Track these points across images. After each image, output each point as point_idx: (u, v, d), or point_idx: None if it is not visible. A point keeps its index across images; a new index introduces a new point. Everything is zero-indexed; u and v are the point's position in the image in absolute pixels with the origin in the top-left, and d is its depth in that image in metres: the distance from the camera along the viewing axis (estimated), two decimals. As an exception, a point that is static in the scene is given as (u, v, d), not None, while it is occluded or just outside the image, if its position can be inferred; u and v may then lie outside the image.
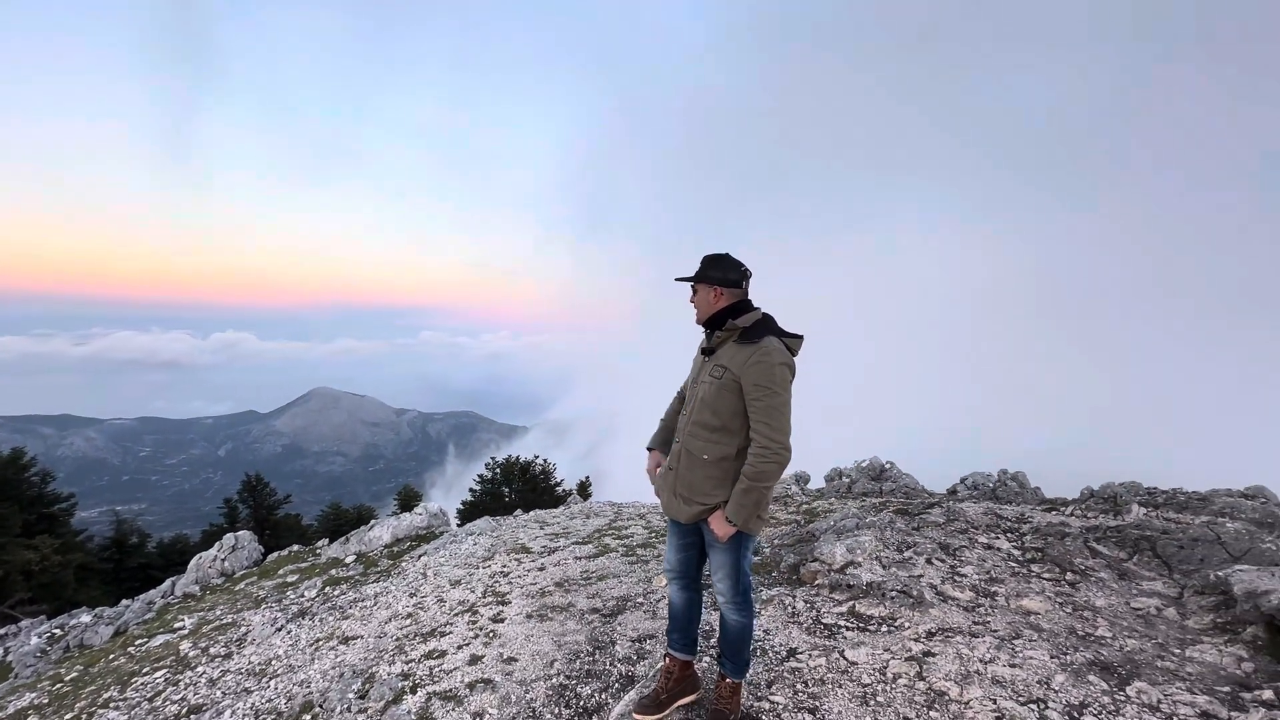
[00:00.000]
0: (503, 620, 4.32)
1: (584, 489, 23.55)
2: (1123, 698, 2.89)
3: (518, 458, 27.16)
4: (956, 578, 4.29)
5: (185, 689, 4.38)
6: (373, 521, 9.43)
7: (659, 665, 3.44)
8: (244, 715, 3.64)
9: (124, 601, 10.06)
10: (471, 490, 26.26)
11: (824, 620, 3.85)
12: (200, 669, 4.73)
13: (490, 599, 4.81)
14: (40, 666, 7.58)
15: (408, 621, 4.63)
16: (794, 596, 4.26)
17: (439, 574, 5.70)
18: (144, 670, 5.09)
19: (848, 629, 3.71)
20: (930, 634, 3.54)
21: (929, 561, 4.53)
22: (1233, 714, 2.73)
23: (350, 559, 7.67)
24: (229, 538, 10.43)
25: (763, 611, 4.06)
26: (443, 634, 4.21)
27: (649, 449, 3.06)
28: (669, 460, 2.81)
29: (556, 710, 3.18)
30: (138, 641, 6.31)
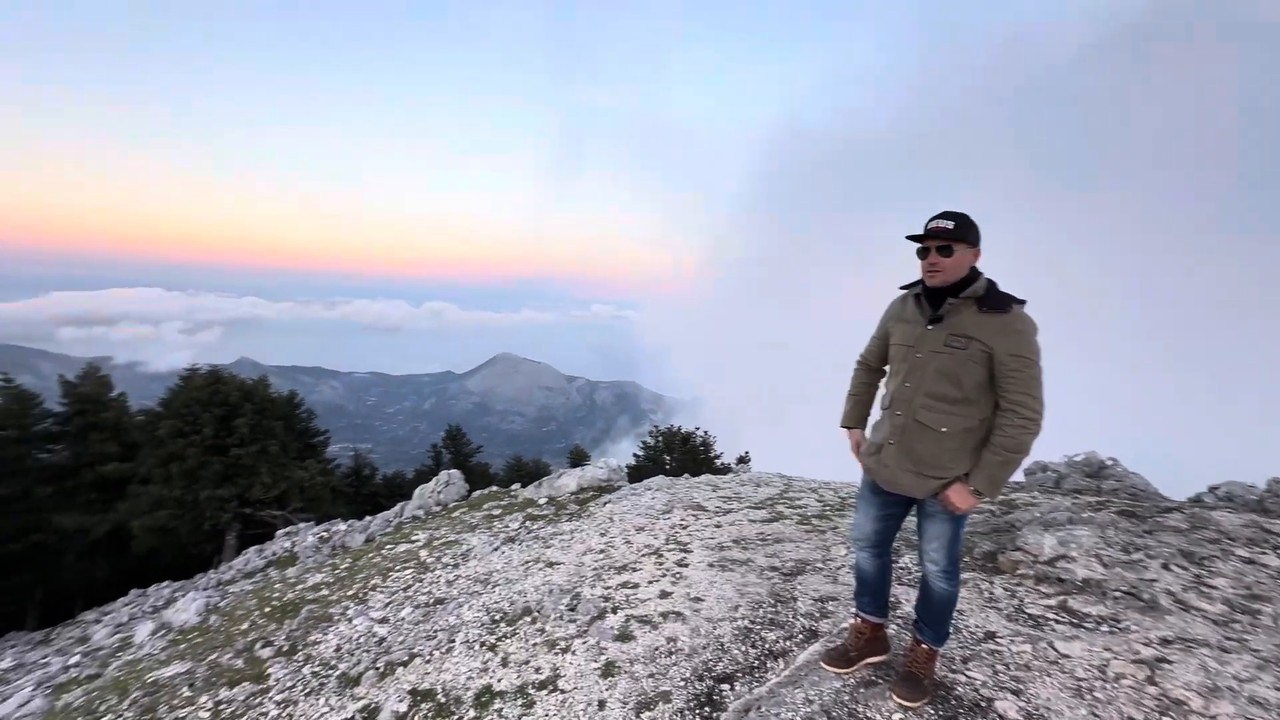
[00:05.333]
0: (686, 565, 4.67)
1: (743, 461, 23.64)
2: None
3: (679, 428, 27.97)
4: (1203, 588, 3.72)
5: (429, 585, 5.38)
6: (560, 471, 10.49)
7: (845, 625, 3.50)
8: (478, 609, 4.40)
9: (368, 517, 12.39)
10: (635, 455, 27.68)
11: (1028, 610, 3.60)
12: (438, 572, 5.76)
13: (673, 546, 5.20)
14: (318, 558, 9.70)
15: (601, 556, 5.19)
16: (991, 583, 4.02)
17: (624, 520, 6.26)
18: (396, 568, 6.33)
19: (1057, 622, 3.44)
20: (1166, 641, 3.15)
21: (1166, 567, 3.97)
22: None
23: (543, 501, 8.66)
24: (443, 475, 12.26)
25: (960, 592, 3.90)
26: (633, 570, 4.68)
27: (847, 427, 2.99)
28: (888, 434, 2.67)
29: (743, 649, 3.41)
30: (385, 548, 7.81)
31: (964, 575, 4.19)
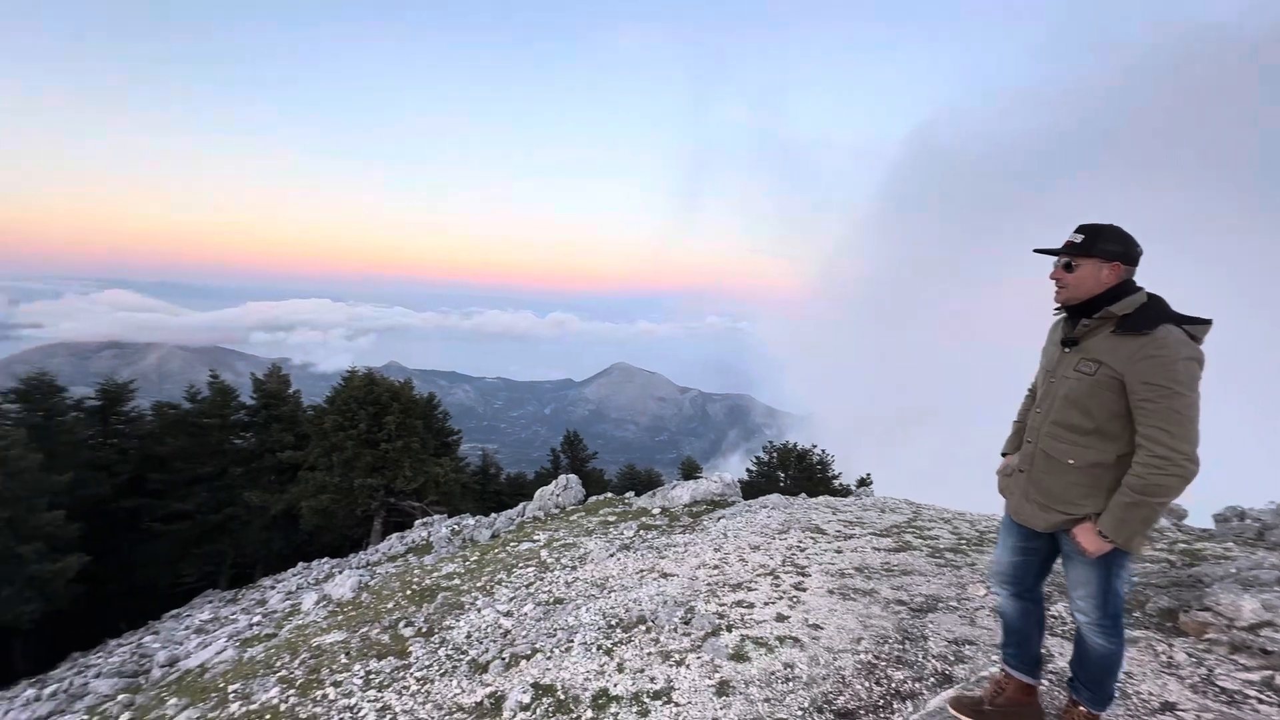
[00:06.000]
0: (804, 590, 4.51)
1: (864, 483, 22.37)
2: None
3: (794, 444, 27.12)
4: None
5: (550, 584, 5.64)
6: (673, 482, 10.57)
7: (985, 674, 3.20)
8: (594, 613, 4.55)
9: (494, 514, 13.23)
10: (748, 471, 27.19)
11: (1219, 682, 3.07)
12: (557, 573, 6.03)
13: (790, 568, 5.04)
14: (450, 548, 10.51)
15: (715, 572, 5.16)
16: (1169, 645, 3.48)
17: (738, 537, 6.17)
18: (519, 565, 6.71)
19: (1261, 701, 2.89)
20: None
21: None
22: None
23: (656, 511, 8.77)
24: (562, 478, 12.81)
25: (1126, 651, 3.42)
26: (748, 589, 4.60)
27: (1003, 454, 2.76)
28: (1020, 460, 2.52)
29: (866, 684, 3.23)
30: (510, 545, 8.30)
31: (1135, 633, 3.66)
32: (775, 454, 26.28)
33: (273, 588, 11.87)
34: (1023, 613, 2.72)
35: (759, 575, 4.92)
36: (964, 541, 5.90)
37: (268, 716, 3.86)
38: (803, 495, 9.46)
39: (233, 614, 10.15)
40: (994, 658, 3.36)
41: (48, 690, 7.82)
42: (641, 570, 5.50)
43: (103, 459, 17.37)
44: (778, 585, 4.63)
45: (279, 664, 4.88)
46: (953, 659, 3.43)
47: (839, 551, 5.50)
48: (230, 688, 4.50)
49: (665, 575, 5.22)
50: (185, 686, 5.41)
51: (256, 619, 8.22)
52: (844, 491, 21.04)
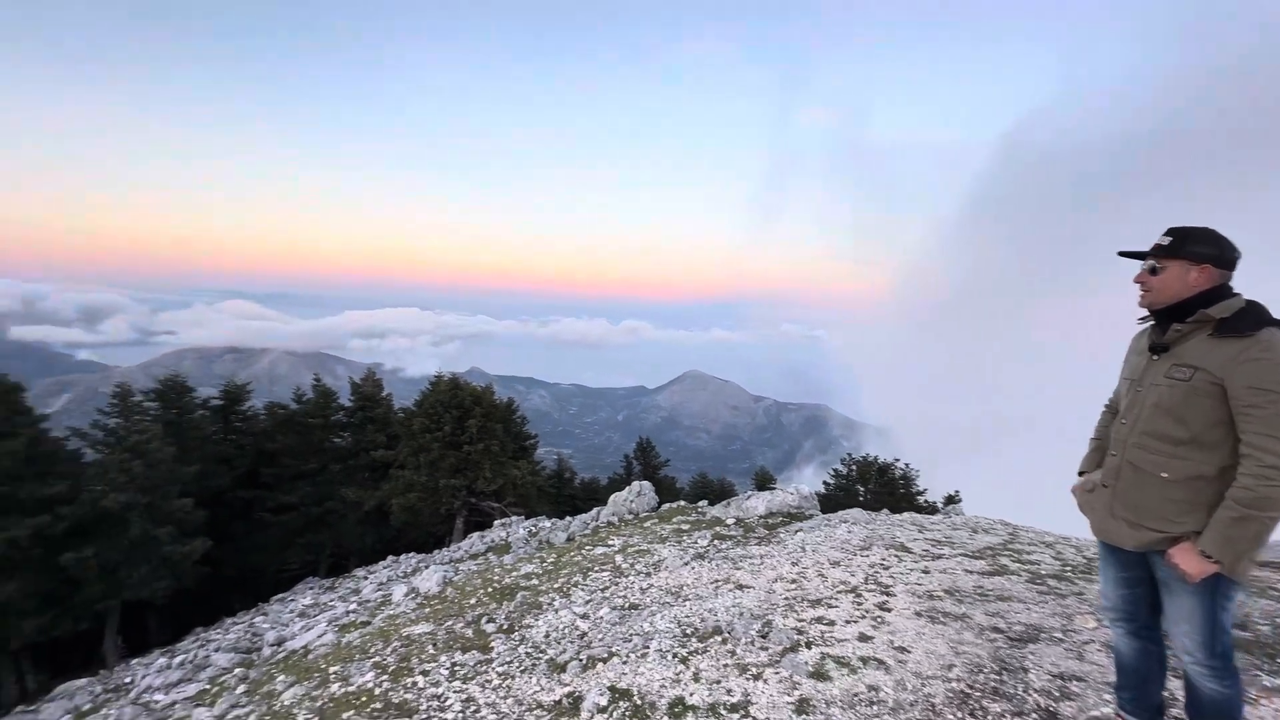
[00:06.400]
0: (889, 610, 4.31)
1: (952, 501, 21.10)
2: None
3: (875, 457, 26.02)
4: None
5: (624, 590, 5.70)
6: (748, 492, 10.41)
7: (1096, 714, 2.94)
8: (669, 620, 4.55)
9: (569, 518, 13.51)
10: (825, 483, 26.33)
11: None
12: (631, 579, 6.08)
13: (873, 586, 4.84)
14: (528, 549, 10.82)
15: (793, 586, 5.03)
16: (1322, 698, 3.05)
17: (817, 551, 5.98)
18: (594, 569, 6.81)
19: None
20: None
21: None
22: None
23: (730, 521, 8.66)
24: (635, 485, 12.91)
25: (1259, 703, 3.04)
26: (828, 605, 4.45)
27: (1080, 473, 2.58)
28: (1103, 475, 2.32)
29: (959, 715, 3.04)
30: (585, 549, 8.45)
31: (1274, 681, 3.24)
32: (854, 467, 25.33)
33: (365, 578, 12.67)
34: (1140, 652, 2.49)
35: (840, 592, 4.76)
36: (1069, 568, 5.44)
37: (364, 698, 4.12)
38: (885, 511, 9.05)
39: (331, 601, 10.91)
40: (1106, 697, 3.08)
41: (176, 660, 8.71)
42: (716, 580, 5.45)
43: (223, 453, 19.21)
44: (860, 604, 4.46)
45: (373, 650, 5.20)
46: (1058, 695, 3.17)
47: (926, 572, 5.22)
48: (331, 669, 4.84)
49: (741, 587, 5.14)
50: (291, 665, 5.87)
51: (352, 607, 8.79)
52: (930, 509, 19.93)
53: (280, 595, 13.97)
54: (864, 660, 3.56)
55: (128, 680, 8.58)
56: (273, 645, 7.85)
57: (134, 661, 10.23)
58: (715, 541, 7.41)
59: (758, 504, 9.05)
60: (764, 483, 28.47)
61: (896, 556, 5.71)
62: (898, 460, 24.71)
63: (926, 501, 21.91)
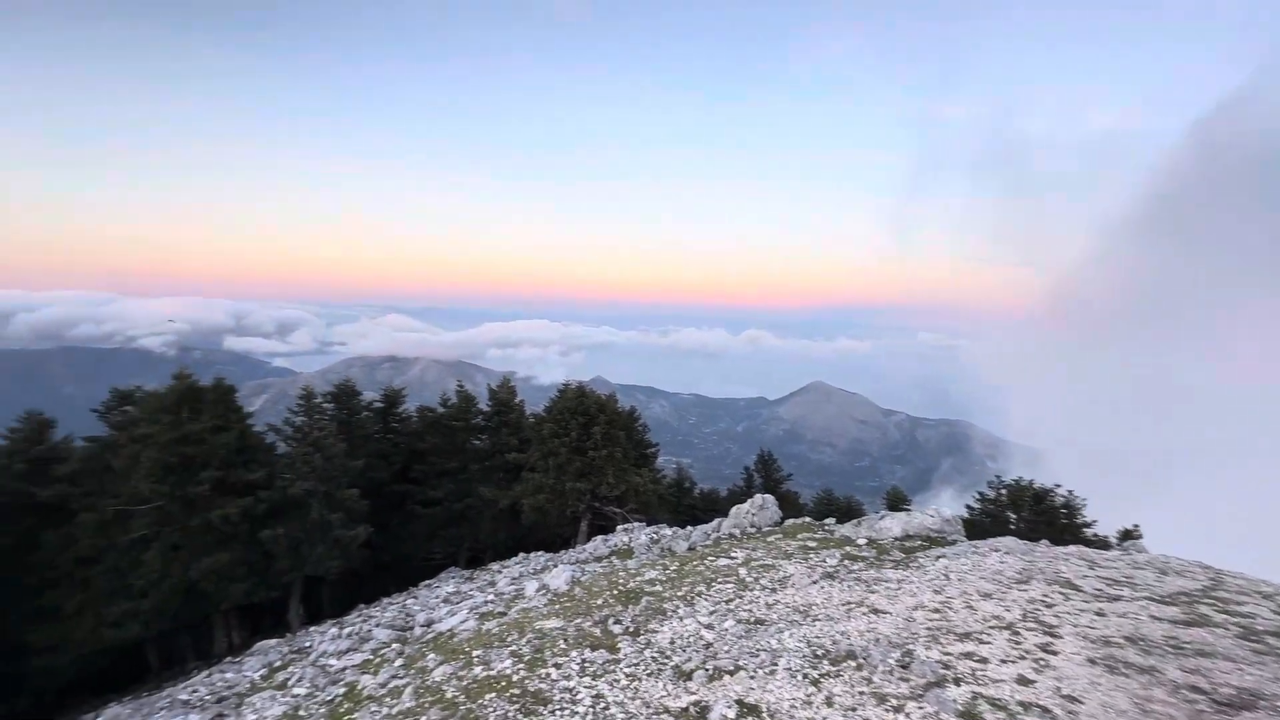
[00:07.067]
0: (1054, 653, 3.83)
1: (1130, 535, 18.30)
2: None
3: (1030, 481, 23.35)
4: None
5: (749, 603, 5.59)
6: (881, 512, 9.78)
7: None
8: (798, 639, 4.40)
9: (689, 527, 13.50)
10: (969, 508, 24.02)
11: None
12: (756, 593, 5.95)
13: (1033, 625, 4.33)
14: (649, 555, 10.97)
15: (935, 616, 4.64)
16: None
17: (964, 581, 5.48)
18: (718, 580, 6.76)
19: None
20: None
21: None
22: None
23: (862, 541, 8.18)
24: (758, 498, 12.62)
25: None
26: (979, 641, 4.05)
27: None
28: None
29: (1149, 783, 2.63)
30: (707, 559, 8.40)
31: None
32: (1004, 491, 22.88)
33: (500, 572, 13.54)
34: None
35: (992, 627, 4.31)
36: (1296, 625, 4.49)
37: (503, 683, 4.41)
38: (1044, 543, 8.07)
39: (470, 590, 11.80)
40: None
41: (345, 630, 9.87)
42: (849, 603, 5.17)
43: (383, 450, 21.57)
44: (1018, 642, 4.01)
45: (509, 639, 5.56)
46: (1286, 777, 2.63)
47: (1100, 614, 4.57)
48: (474, 653, 5.23)
49: (876, 611, 4.84)
50: (440, 646, 6.43)
51: (490, 597, 9.44)
52: (1100, 543, 17.46)
53: (427, 582, 15.33)
54: (1024, 706, 3.19)
55: (307, 644, 9.87)
56: (423, 626, 8.64)
57: (312, 629, 11.76)
58: (845, 561, 7.04)
59: (892, 525, 8.47)
60: (897, 503, 26.60)
61: (1062, 594, 5.07)
62: (1058, 486, 21.96)
63: (1095, 535, 19.20)
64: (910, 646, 4.00)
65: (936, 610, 4.77)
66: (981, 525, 21.16)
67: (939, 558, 6.56)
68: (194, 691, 8.63)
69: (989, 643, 4.00)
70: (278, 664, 9.06)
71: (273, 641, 10.72)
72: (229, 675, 9.22)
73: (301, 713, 5.56)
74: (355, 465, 17.71)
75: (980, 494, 24.81)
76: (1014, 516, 22.32)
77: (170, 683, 11.41)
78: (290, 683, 7.20)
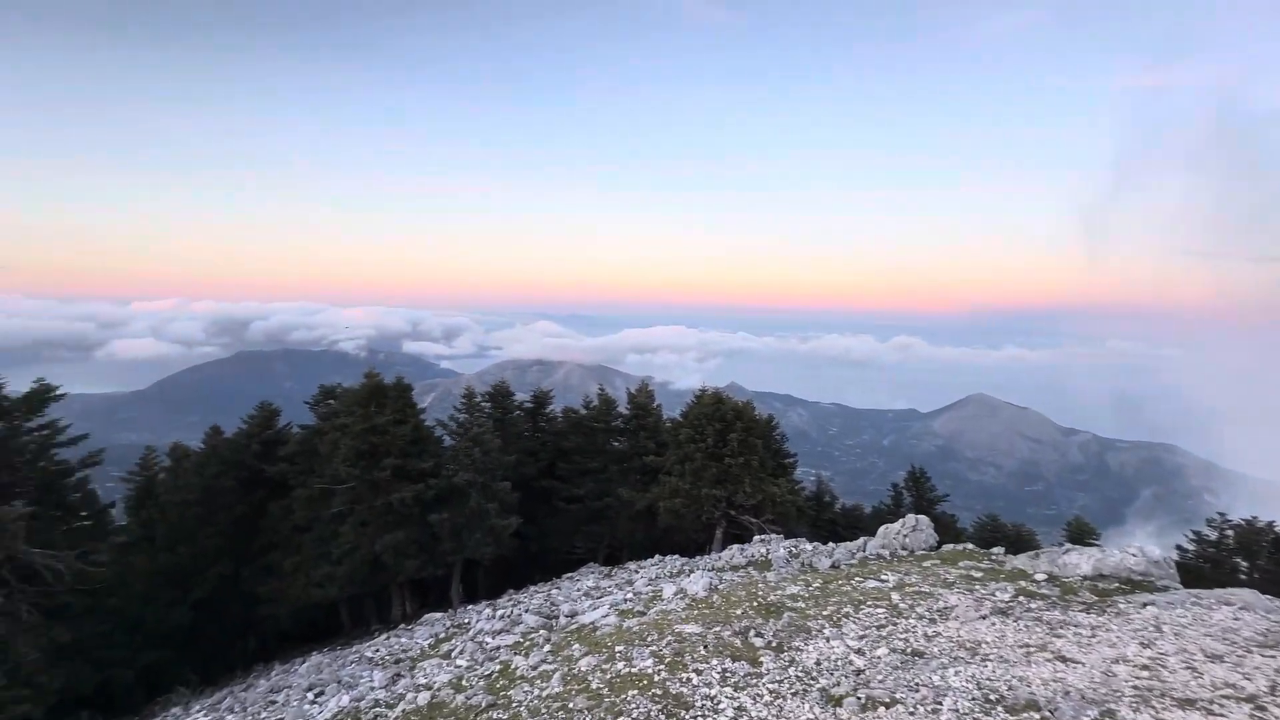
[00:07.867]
0: (1321, 740, 3.06)
1: None
2: None
3: (1270, 523, 19.19)
4: None
5: (904, 632, 5.15)
6: (1065, 546, 8.55)
7: None
8: (966, 679, 3.95)
9: (832, 544, 12.81)
10: (1180, 549, 20.29)
11: None
12: (912, 621, 5.47)
13: (1286, 701, 3.49)
14: (789, 570, 10.58)
15: (1144, 674, 3.93)
16: None
17: (1182, 636, 4.58)
18: (867, 603, 6.32)
19: None
20: None
21: None
22: None
23: (1040, 577, 7.19)
24: (910, 518, 11.66)
25: None
26: (1208, 711, 3.35)
27: None
28: None
29: None
30: (854, 579, 7.89)
31: None
32: (1231, 532, 19.04)
33: (637, 571, 13.85)
34: None
35: (1225, 697, 3.55)
36: None
37: (644, 681, 4.48)
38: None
39: (609, 587, 12.20)
40: None
41: (498, 612, 10.69)
42: (1028, 645, 4.56)
43: (531, 447, 23.14)
44: (1264, 720, 3.26)
45: (650, 639, 5.64)
46: None
47: (1391, 700, 3.57)
48: (616, 648, 5.39)
49: (1064, 660, 4.21)
50: (583, 637, 6.70)
51: (628, 596, 9.69)
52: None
53: (569, 574, 16.13)
54: (1279, 801, 2.58)
55: (466, 621, 10.83)
56: (567, 616, 9.08)
57: (469, 607, 12.90)
58: (1020, 598, 6.22)
59: (1080, 561, 7.34)
60: (1080, 535, 23.17)
61: (1327, 667, 4.04)
62: (1310, 529, 17.80)
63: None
64: (1112, 706, 3.42)
65: (1145, 667, 4.04)
66: (1199, 571, 17.82)
67: (1146, 605, 5.55)
68: (376, 651, 9.84)
69: (1222, 715, 3.30)
70: (442, 635, 10.04)
71: (438, 615, 11.91)
72: (403, 640, 10.39)
73: (464, 682, 6.09)
74: (508, 460, 19.19)
75: (1196, 533, 20.98)
76: (1245, 564, 18.52)
77: (358, 640, 13.15)
78: (454, 654, 7.93)
